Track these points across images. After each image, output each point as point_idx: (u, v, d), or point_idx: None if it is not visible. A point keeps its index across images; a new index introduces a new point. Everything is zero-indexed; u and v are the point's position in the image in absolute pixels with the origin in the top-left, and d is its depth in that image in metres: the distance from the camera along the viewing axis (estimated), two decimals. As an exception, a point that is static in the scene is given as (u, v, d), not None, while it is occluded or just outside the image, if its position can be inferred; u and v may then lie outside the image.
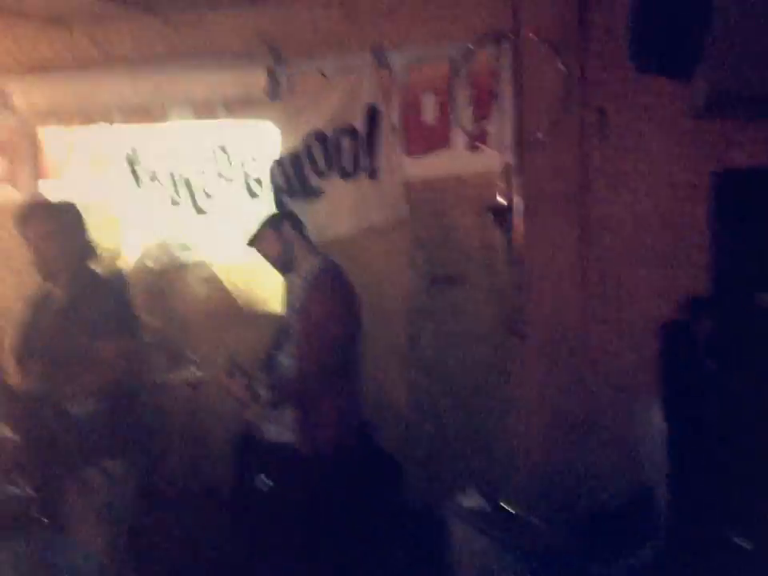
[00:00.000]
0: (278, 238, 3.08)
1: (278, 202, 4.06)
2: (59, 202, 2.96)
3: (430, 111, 3.82)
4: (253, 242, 3.13)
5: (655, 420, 2.90)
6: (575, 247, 3.67)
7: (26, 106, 4.52)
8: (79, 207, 2.93)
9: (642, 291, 3.59)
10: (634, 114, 3.52)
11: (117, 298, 2.88)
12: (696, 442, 2.58)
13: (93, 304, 2.71)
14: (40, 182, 4.59)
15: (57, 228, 2.79)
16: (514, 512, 3.36)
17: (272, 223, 3.10)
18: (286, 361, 2.96)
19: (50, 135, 4.56)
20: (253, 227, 3.09)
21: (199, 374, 3.93)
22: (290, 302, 3.18)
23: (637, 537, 2.56)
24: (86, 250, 2.92)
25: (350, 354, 3.00)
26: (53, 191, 4.51)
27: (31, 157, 4.59)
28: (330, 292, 2.94)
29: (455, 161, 3.79)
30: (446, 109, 3.78)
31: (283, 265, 3.13)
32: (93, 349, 2.59)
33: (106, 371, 2.64)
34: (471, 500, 3.43)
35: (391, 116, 3.88)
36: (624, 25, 2.83)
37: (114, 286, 2.96)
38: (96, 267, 2.95)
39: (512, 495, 3.50)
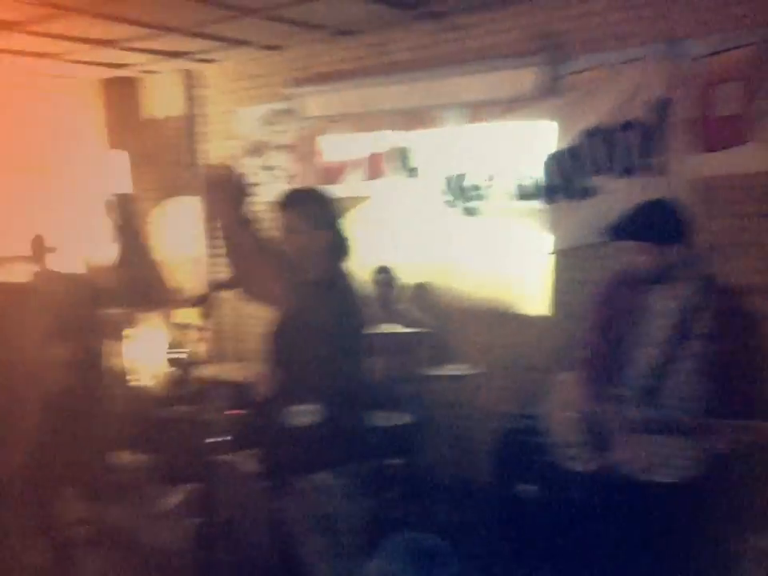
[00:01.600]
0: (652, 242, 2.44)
1: (552, 203, 4.02)
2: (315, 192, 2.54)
3: (729, 102, 3.45)
4: (618, 232, 2.54)
5: None
6: None
7: (313, 114, 4.90)
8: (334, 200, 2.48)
9: None
10: None
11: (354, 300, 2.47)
12: None
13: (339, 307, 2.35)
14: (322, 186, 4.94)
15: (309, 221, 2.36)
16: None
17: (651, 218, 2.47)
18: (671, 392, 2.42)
19: (330, 141, 4.89)
20: (629, 215, 2.53)
21: (462, 368, 3.97)
22: (674, 320, 2.47)
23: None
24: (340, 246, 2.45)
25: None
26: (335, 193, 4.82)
27: (315, 161, 4.95)
28: (733, 310, 2.46)
29: (760, 156, 3.38)
30: (749, 99, 3.39)
31: (653, 274, 2.48)
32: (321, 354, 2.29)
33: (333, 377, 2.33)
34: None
35: (682, 109, 3.57)
36: None
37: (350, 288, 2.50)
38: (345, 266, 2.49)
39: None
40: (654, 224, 2.44)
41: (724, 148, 3.47)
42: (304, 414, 2.25)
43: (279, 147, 5.13)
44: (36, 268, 4.03)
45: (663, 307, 2.46)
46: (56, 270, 4.12)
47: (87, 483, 4.00)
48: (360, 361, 2.49)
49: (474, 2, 4.04)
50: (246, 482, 3.39)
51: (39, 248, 4.09)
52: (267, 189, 5.17)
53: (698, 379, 2.36)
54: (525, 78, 4.05)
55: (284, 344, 2.37)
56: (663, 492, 2.38)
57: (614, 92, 3.74)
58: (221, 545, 3.46)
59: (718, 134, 3.49)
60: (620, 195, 3.75)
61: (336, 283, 2.38)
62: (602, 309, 2.61)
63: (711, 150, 3.52)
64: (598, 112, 3.80)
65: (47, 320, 3.52)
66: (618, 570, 2.47)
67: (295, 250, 2.35)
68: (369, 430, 3.16)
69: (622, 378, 2.48)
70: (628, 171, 3.76)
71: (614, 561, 2.48)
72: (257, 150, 5.24)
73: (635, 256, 2.45)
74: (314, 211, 2.38)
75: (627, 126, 3.73)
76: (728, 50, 3.43)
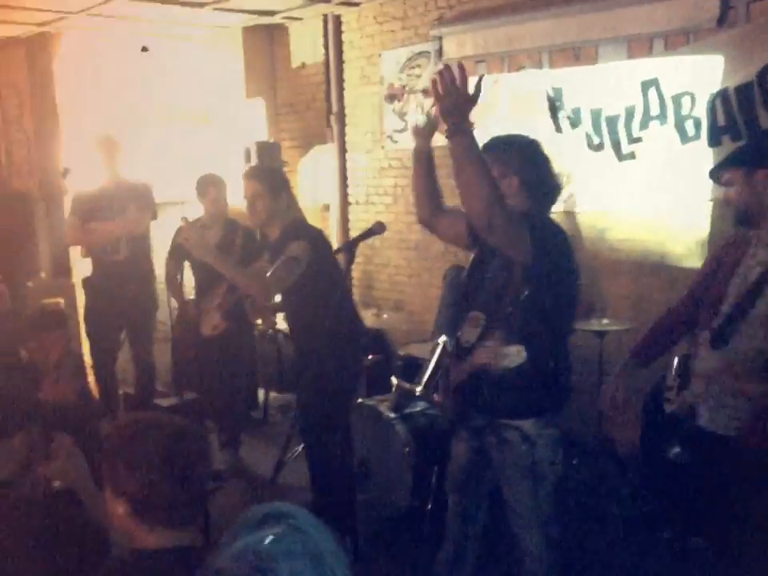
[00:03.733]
0: (749, 182, 2.34)
1: (717, 145, 3.65)
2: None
3: None
4: (715, 175, 2.51)
5: None
6: None
7: (458, 54, 4.71)
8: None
9: None
10: None
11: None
12: None
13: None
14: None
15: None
16: None
17: (747, 161, 2.38)
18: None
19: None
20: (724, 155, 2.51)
21: (606, 322, 3.76)
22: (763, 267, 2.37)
23: None
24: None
25: None
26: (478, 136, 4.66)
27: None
28: None
29: None
30: None
31: (745, 216, 2.39)
32: None
33: None
34: None
35: None
36: None
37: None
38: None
39: None
40: (747, 149, 2.44)
41: None
42: (511, 356, 2.23)
43: (420, 91, 5.00)
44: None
45: (759, 258, 2.35)
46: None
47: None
48: (572, 302, 2.48)
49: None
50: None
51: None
52: (406, 135, 5.10)
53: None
54: (693, 7, 3.67)
55: (486, 284, 2.39)
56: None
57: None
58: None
59: None
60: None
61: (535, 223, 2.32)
62: (711, 260, 2.58)
63: None
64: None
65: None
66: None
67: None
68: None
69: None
70: (812, 110, 3.33)
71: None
72: (396, 94, 5.14)
73: (726, 191, 2.37)
74: (507, 155, 2.39)
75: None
76: None
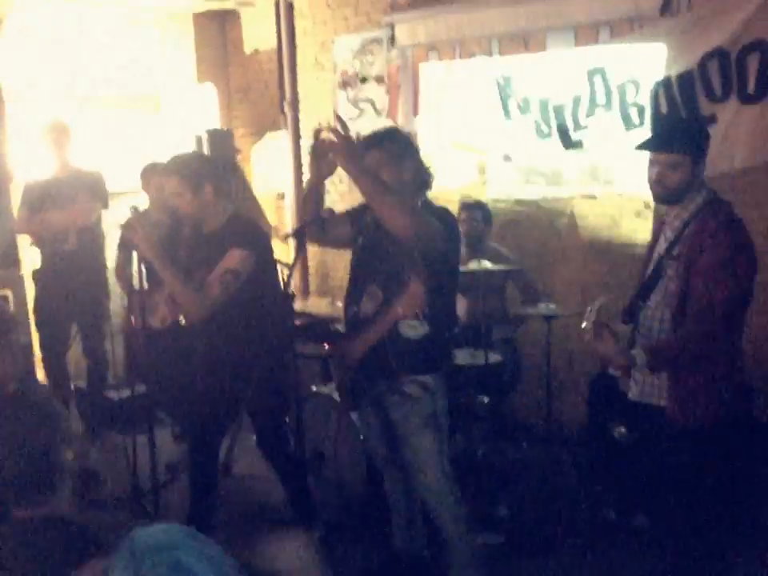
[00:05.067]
0: (693, 168, 2.42)
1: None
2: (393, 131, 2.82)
3: None
4: (647, 146, 2.52)
5: None
6: None
7: (410, 42, 4.72)
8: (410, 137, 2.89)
9: None
10: None
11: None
12: None
13: None
14: (416, 117, 4.79)
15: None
16: None
17: (694, 149, 2.42)
18: (660, 316, 2.48)
19: (427, 70, 4.71)
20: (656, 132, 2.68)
21: (554, 308, 3.82)
22: (667, 243, 2.55)
23: None
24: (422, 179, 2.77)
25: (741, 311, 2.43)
26: (427, 125, 4.70)
27: (410, 91, 4.80)
28: (723, 237, 2.34)
29: None
30: None
31: (674, 195, 2.46)
32: None
33: None
34: None
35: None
36: None
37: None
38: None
39: None
40: (671, 134, 2.49)
41: None
42: (412, 327, 2.58)
43: (373, 78, 5.00)
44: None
45: (665, 234, 2.54)
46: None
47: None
48: (452, 283, 2.75)
49: None
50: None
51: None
52: (360, 122, 5.10)
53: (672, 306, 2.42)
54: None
55: (386, 267, 2.64)
56: None
57: (738, 10, 3.38)
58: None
59: None
60: (741, 125, 3.44)
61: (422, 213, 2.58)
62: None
63: None
64: (720, 32, 3.45)
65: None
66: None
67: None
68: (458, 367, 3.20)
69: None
70: (751, 98, 3.42)
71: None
72: (349, 81, 5.13)
73: (651, 170, 2.45)
74: (397, 148, 2.62)
75: (753, 47, 3.37)
76: None
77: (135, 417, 3.75)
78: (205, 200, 2.98)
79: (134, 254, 4.15)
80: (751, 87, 3.40)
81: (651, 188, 2.50)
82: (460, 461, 3.59)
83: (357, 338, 2.67)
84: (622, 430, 3.29)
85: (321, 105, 5.36)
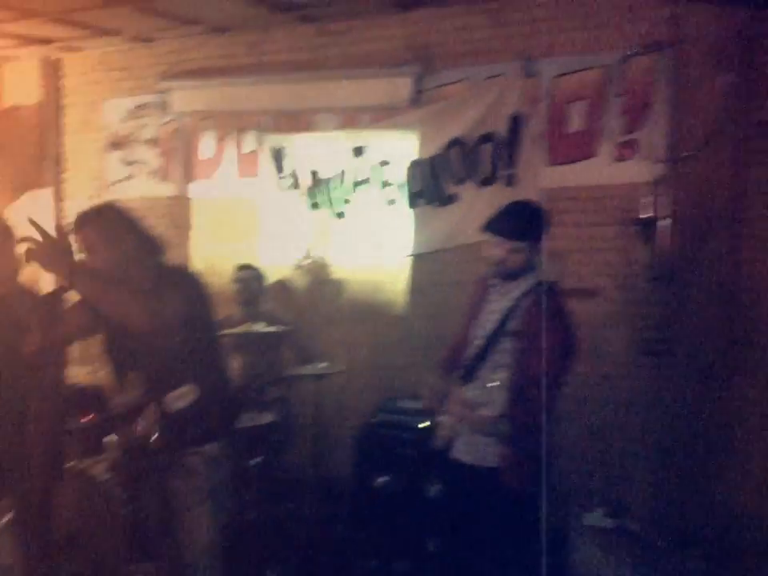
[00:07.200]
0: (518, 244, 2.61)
1: (414, 207, 4.18)
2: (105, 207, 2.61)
3: (577, 120, 3.76)
4: (489, 227, 2.69)
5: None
6: (725, 268, 3.49)
7: (184, 109, 4.82)
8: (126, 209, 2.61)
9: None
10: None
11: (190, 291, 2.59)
12: None
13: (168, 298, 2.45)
14: (192, 183, 4.86)
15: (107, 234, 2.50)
16: (638, 531, 3.24)
17: (529, 235, 2.63)
18: (501, 388, 2.56)
19: (203, 137, 4.83)
20: (497, 210, 2.74)
21: (324, 366, 3.99)
22: (501, 315, 2.69)
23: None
24: (149, 248, 2.60)
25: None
26: (203, 190, 4.80)
27: (185, 157, 4.87)
28: (560, 319, 2.55)
29: (601, 171, 3.71)
30: (595, 118, 3.71)
31: (507, 272, 2.66)
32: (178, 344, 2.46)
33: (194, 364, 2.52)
34: (595, 519, 3.33)
35: (535, 124, 3.84)
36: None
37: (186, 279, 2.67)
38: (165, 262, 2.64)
39: (639, 517, 3.37)
40: (517, 222, 2.64)
41: (572, 162, 3.77)
42: (180, 397, 2.44)
43: (145, 141, 5.00)
44: None
45: (499, 304, 2.68)
46: None
47: None
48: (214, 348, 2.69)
49: (346, 10, 4.16)
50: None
51: None
52: (130, 184, 5.05)
53: (505, 375, 2.53)
54: (394, 87, 4.21)
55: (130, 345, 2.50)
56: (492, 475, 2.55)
57: (475, 105, 3.95)
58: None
59: (566, 149, 3.79)
60: (477, 204, 3.97)
61: (160, 284, 2.47)
62: (465, 306, 2.84)
63: (560, 163, 3.81)
64: (459, 123, 3.99)
65: None
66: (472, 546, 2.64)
67: (101, 264, 2.47)
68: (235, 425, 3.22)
69: (460, 368, 2.69)
70: (485, 181, 3.97)
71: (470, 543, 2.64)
72: (120, 143, 5.07)
73: (495, 251, 2.62)
74: (112, 224, 2.50)
75: (485, 138, 3.94)
76: (577, 71, 3.74)
77: None
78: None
79: None
80: (485, 172, 3.96)
81: (494, 266, 2.64)
82: (233, 526, 3.59)
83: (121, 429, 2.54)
84: (381, 479, 3.55)
85: (89, 165, 5.23)
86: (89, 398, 4.09)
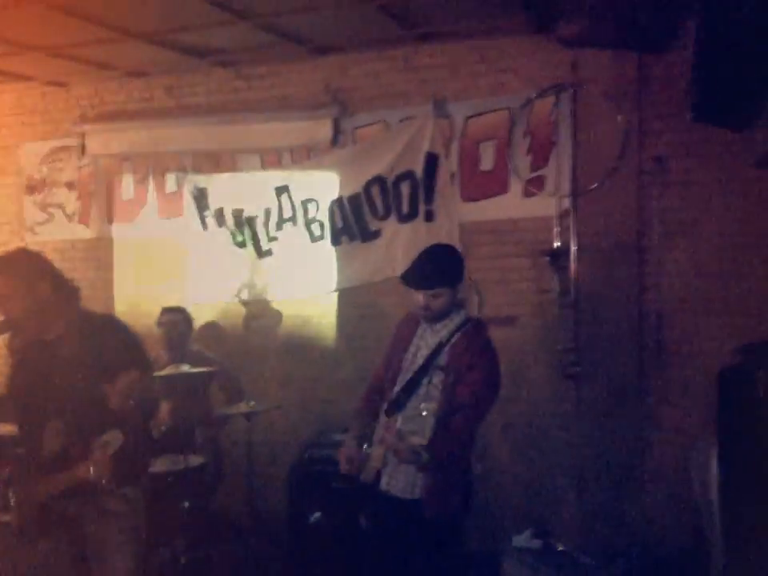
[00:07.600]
0: (451, 296, 2.66)
1: (338, 244, 4.29)
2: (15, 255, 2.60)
3: (488, 159, 3.96)
4: (405, 280, 2.71)
5: (712, 466, 2.91)
6: (631, 293, 3.72)
7: (103, 151, 4.80)
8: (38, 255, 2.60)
9: (700, 338, 3.61)
10: (693, 164, 3.61)
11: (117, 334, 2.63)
12: (754, 488, 2.56)
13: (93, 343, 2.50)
14: (114, 224, 4.82)
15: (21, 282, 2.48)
16: (565, 550, 3.39)
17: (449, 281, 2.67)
18: (430, 418, 2.52)
19: (124, 179, 4.81)
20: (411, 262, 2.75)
21: (254, 404, 3.99)
22: (429, 350, 2.72)
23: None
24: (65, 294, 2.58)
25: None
26: (126, 231, 4.77)
27: (105, 199, 4.83)
28: (487, 356, 2.64)
29: (511, 206, 3.91)
30: (503, 157, 3.91)
31: (432, 315, 2.69)
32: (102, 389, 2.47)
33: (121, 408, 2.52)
34: (524, 540, 3.47)
35: (450, 163, 4.02)
36: (681, 78, 2.94)
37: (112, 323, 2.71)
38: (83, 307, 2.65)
39: (565, 535, 3.53)
40: (433, 270, 2.66)
41: (485, 198, 3.96)
42: (109, 442, 2.47)
43: (64, 184, 4.94)
44: None
45: (428, 340, 2.72)
46: None
47: None
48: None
49: (263, 55, 4.25)
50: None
51: None
52: (49, 227, 4.98)
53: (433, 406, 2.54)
54: (314, 129, 4.32)
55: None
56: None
57: (392, 145, 4.11)
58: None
59: (479, 186, 3.98)
60: (398, 239, 4.12)
61: (79, 330, 2.51)
62: (391, 341, 2.90)
63: (474, 199, 3.99)
64: (378, 163, 4.14)
65: None
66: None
67: (20, 313, 2.47)
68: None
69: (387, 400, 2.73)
70: (405, 217, 4.12)
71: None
72: (37, 186, 5.00)
73: (417, 296, 2.65)
74: (26, 270, 2.50)
75: (404, 176, 4.10)
76: (485, 113, 3.94)
77: None
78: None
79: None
80: (405, 209, 4.11)
81: (419, 311, 2.67)
82: (165, 571, 3.56)
83: (41, 481, 2.51)
84: (315, 516, 3.60)
85: (4, 209, 5.13)
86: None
